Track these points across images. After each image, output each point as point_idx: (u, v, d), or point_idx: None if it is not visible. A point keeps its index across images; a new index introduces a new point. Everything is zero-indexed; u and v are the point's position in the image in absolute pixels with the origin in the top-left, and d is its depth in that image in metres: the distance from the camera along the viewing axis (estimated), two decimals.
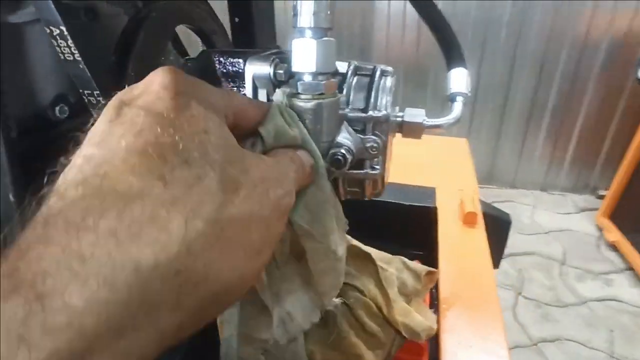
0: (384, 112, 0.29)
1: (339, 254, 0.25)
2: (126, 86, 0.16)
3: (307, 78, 0.24)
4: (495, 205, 1.37)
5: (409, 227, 0.61)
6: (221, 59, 0.29)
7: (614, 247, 1.49)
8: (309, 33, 0.23)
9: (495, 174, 2.03)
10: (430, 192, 0.64)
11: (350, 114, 0.29)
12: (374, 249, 0.44)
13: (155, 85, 0.15)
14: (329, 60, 0.25)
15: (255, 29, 0.47)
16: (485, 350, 0.37)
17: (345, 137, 0.27)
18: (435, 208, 0.60)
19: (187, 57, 0.34)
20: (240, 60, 0.29)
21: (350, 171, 0.32)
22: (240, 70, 0.29)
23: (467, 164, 0.76)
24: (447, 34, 0.43)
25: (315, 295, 0.26)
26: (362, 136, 0.29)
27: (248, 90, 0.29)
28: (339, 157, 0.26)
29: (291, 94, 0.25)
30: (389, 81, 0.30)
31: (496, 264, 0.66)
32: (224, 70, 0.29)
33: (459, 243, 0.53)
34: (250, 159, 0.17)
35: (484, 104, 1.84)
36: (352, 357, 0.35)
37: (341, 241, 0.26)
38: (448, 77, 0.41)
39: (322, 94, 0.25)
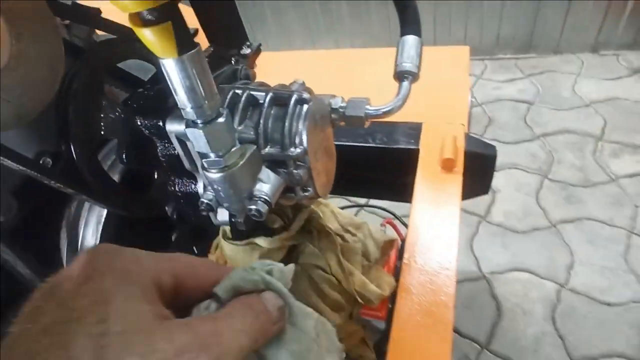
0: (301, 148, 0.30)
1: None
2: None
3: (210, 157, 0.27)
4: (532, 78, 1.32)
5: (394, 172, 0.64)
6: (141, 120, 0.31)
7: None
8: (196, 124, 0.25)
9: (535, 39, 1.80)
10: (415, 131, 0.64)
11: (268, 156, 0.31)
12: (348, 214, 0.49)
13: (74, 267, 0.17)
14: (223, 138, 0.26)
15: (221, 29, 0.46)
16: (434, 303, 0.44)
17: (261, 186, 0.30)
18: (418, 150, 0.61)
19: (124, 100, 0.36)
20: (160, 123, 0.31)
21: (282, 201, 0.35)
22: (161, 130, 0.31)
23: (462, 85, 0.71)
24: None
25: None
26: (284, 170, 0.32)
27: (177, 147, 0.31)
28: (254, 213, 0.29)
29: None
30: (304, 109, 0.31)
31: (485, 191, 0.68)
32: (147, 131, 0.32)
33: (433, 193, 0.55)
34: (167, 328, 0.16)
35: None
36: (332, 290, 0.44)
37: None
38: (399, 45, 0.39)
39: (225, 166, 0.27)
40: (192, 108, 0.24)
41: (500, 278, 1.10)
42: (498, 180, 1.34)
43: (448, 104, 0.68)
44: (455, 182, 0.56)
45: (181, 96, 0.23)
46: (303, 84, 0.33)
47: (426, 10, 1.79)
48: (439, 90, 0.70)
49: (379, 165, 0.65)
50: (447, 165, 0.57)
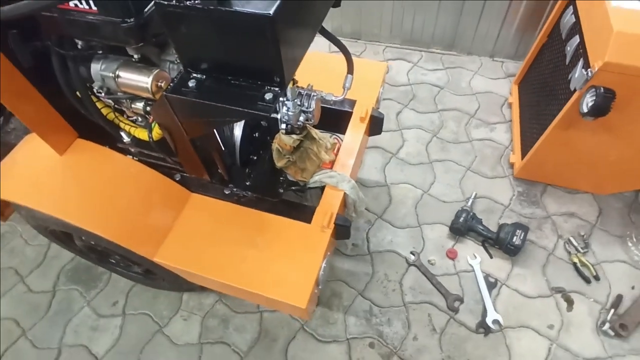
0: (311, 109, 1.13)
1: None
2: None
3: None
4: (448, 71, 2.22)
5: (341, 121, 1.47)
6: None
7: (510, 106, 2.28)
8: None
9: (457, 40, 2.60)
10: (352, 103, 1.48)
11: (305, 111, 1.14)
12: (322, 133, 1.33)
13: None
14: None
15: None
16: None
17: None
18: (351, 112, 1.45)
19: None
20: None
21: (301, 123, 1.19)
22: None
23: (377, 84, 1.54)
24: (348, 54, 1.23)
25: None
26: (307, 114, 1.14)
27: None
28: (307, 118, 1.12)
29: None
30: (313, 98, 1.13)
31: (379, 132, 1.54)
32: None
33: (354, 130, 1.40)
34: None
35: None
36: (314, 156, 1.30)
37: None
38: (346, 78, 1.22)
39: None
40: None
41: (395, 186, 2.03)
42: (408, 133, 2.24)
43: (369, 93, 1.51)
44: (362, 128, 1.41)
45: None
46: (311, 86, 1.16)
47: (387, 6, 2.53)
48: (365, 86, 1.53)
49: (336, 119, 1.49)
50: (362, 120, 1.42)
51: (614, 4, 1.43)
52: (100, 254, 1.61)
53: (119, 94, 1.00)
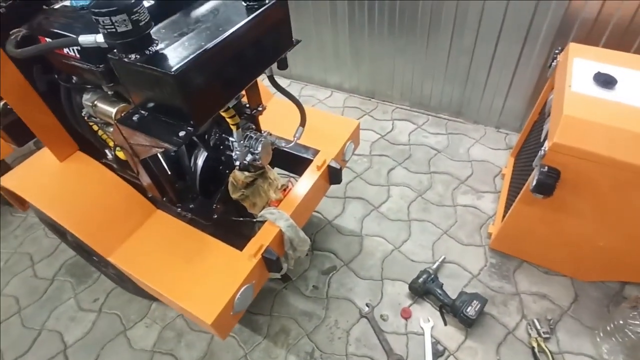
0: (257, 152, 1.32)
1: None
2: None
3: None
4: (450, 136, 2.35)
5: (302, 166, 1.63)
6: None
7: (503, 177, 2.29)
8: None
9: (464, 108, 2.69)
10: (316, 152, 1.64)
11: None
12: (285, 175, 1.50)
13: None
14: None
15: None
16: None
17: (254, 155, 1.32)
18: (311, 160, 1.61)
19: None
20: None
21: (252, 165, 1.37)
22: None
23: (343, 138, 1.69)
24: (301, 107, 1.41)
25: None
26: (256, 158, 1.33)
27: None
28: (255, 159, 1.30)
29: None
30: (260, 141, 1.32)
31: (338, 182, 1.67)
32: None
33: (307, 177, 1.55)
34: None
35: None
36: (264, 194, 1.46)
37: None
38: (298, 129, 1.40)
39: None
40: None
41: (368, 238, 2.10)
42: (394, 190, 2.32)
43: (333, 146, 1.67)
44: (316, 175, 1.56)
45: None
46: (267, 132, 1.34)
47: (398, 70, 2.73)
48: (332, 139, 1.69)
49: (297, 163, 1.65)
50: (318, 168, 1.57)
51: (574, 88, 1.48)
52: (87, 251, 1.86)
53: (97, 119, 1.27)
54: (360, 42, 2.73)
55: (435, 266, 1.90)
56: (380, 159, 2.52)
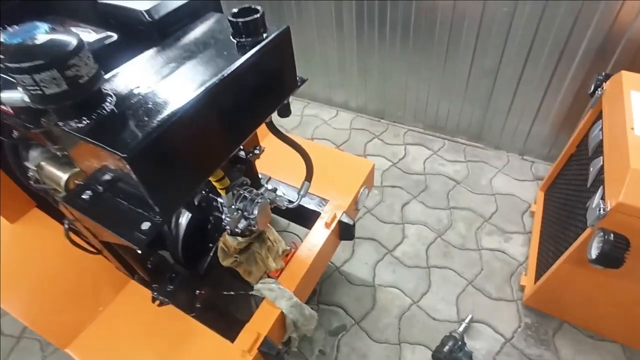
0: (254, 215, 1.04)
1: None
2: None
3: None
4: (469, 164, 2.04)
5: (309, 219, 1.36)
6: None
7: (532, 215, 2.02)
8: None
9: (484, 133, 2.42)
10: (324, 202, 1.36)
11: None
12: (277, 233, 1.22)
13: None
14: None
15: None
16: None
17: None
18: (320, 212, 1.33)
19: None
20: None
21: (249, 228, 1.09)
22: None
23: (357, 184, 1.42)
24: (307, 158, 1.13)
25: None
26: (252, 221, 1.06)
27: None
28: (251, 223, 1.03)
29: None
30: (257, 204, 1.04)
31: (350, 238, 1.39)
32: None
33: (313, 238, 1.27)
34: None
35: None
36: (261, 262, 1.18)
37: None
38: (302, 186, 1.12)
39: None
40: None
41: (382, 289, 1.82)
42: (410, 229, 2.04)
43: (345, 194, 1.39)
44: (325, 234, 1.28)
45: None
46: (268, 178, 1.07)
47: (411, 89, 2.46)
48: (344, 185, 1.42)
49: (304, 216, 1.38)
50: (327, 225, 1.29)
51: (638, 132, 1.21)
52: None
53: (44, 185, 0.99)
54: (369, 57, 2.46)
55: (461, 329, 1.63)
56: (393, 190, 2.25)
